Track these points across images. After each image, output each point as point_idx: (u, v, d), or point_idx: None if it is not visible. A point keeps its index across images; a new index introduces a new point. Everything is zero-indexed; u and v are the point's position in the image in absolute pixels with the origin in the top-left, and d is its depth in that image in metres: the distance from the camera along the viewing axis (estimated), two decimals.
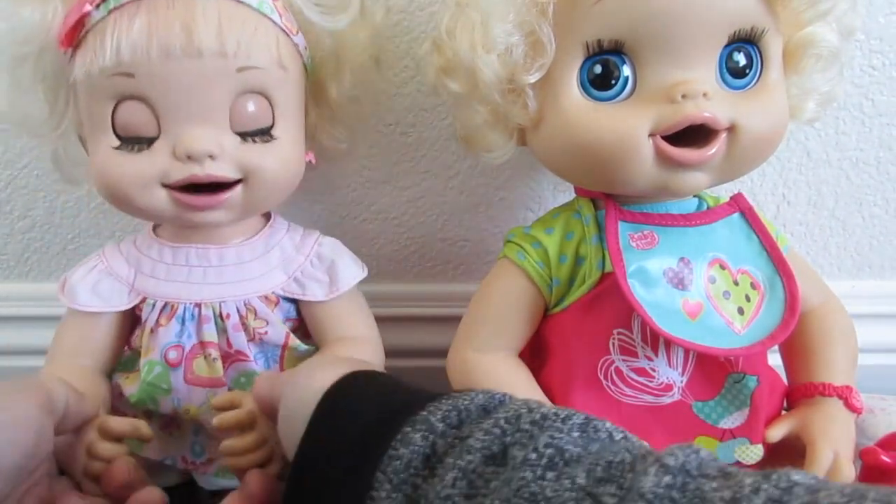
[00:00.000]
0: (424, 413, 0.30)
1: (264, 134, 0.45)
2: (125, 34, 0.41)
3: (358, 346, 0.51)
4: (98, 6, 0.42)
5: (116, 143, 0.44)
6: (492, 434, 0.28)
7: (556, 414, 0.29)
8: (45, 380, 0.38)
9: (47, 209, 0.64)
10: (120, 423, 0.42)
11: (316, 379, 0.35)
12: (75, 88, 0.44)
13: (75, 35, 0.42)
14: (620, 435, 0.29)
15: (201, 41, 0.41)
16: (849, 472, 0.43)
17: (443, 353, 0.50)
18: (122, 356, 0.52)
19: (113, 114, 0.43)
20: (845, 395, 0.47)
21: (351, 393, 0.34)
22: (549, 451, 0.27)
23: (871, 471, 0.46)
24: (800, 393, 0.48)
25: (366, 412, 0.32)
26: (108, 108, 0.43)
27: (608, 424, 0.29)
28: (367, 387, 0.34)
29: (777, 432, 0.46)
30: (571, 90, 0.42)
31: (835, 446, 0.44)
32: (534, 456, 0.26)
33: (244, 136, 0.44)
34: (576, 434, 0.28)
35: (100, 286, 0.49)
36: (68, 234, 0.65)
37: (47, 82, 0.45)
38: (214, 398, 0.45)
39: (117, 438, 0.42)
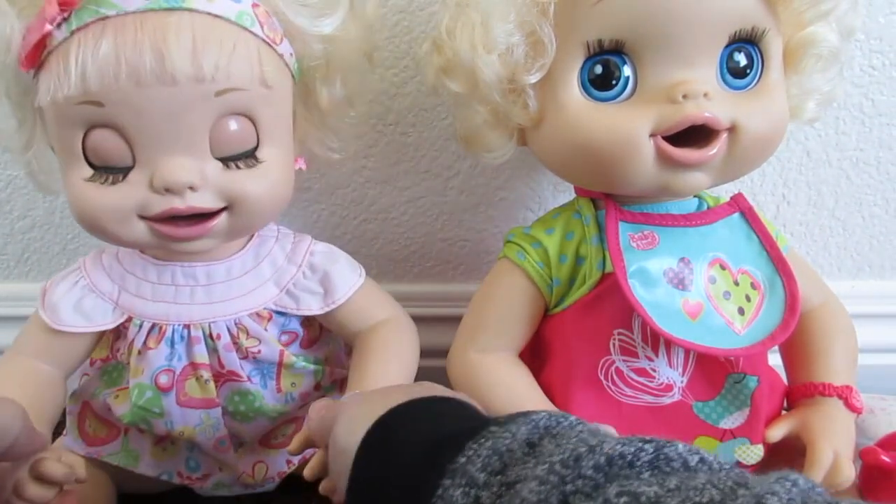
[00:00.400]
0: (463, 460, 0.28)
1: (248, 157, 0.42)
2: (91, 59, 0.37)
3: (390, 329, 0.51)
4: (59, 26, 0.38)
5: (89, 172, 0.41)
6: (548, 483, 0.25)
7: (621, 455, 0.26)
8: (4, 408, 0.36)
9: (47, 209, 0.64)
10: (53, 469, 0.38)
11: (356, 422, 0.33)
12: (41, 111, 0.41)
13: (37, 56, 0.39)
14: (696, 458, 0.26)
15: (174, 67, 0.37)
16: (849, 472, 0.43)
17: (443, 353, 0.50)
18: (107, 365, 0.50)
19: (83, 141, 0.40)
20: (845, 395, 0.47)
21: (385, 442, 0.32)
22: (623, 499, 0.23)
23: (871, 471, 0.46)
24: (800, 393, 0.48)
25: (407, 453, 0.30)
26: (78, 136, 0.40)
27: (679, 447, 0.26)
28: (402, 430, 0.32)
29: (777, 432, 0.46)
30: (572, 90, 0.42)
31: (835, 446, 0.44)
32: None
33: (226, 161, 0.41)
34: (647, 474, 0.25)
35: (83, 303, 0.47)
36: (68, 234, 0.65)
37: (13, 99, 0.42)
38: (290, 447, 0.42)
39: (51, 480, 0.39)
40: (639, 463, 0.25)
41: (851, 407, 0.47)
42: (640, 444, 0.26)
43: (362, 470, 0.31)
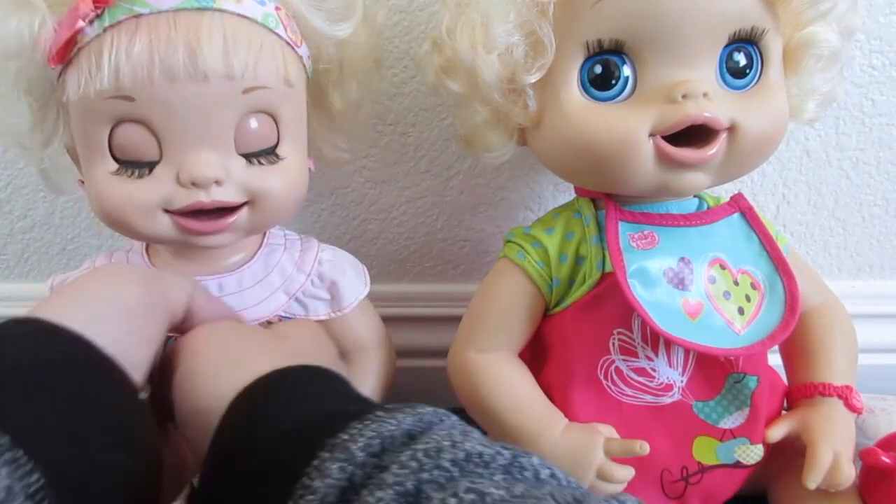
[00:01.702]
0: (346, 437, 0.28)
1: (269, 153, 0.43)
2: (125, 56, 0.38)
3: (369, 356, 0.51)
4: (92, 22, 0.39)
5: (114, 167, 0.41)
6: (407, 468, 0.26)
7: (479, 454, 0.27)
8: (172, 285, 0.39)
9: (47, 209, 0.64)
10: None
11: (221, 381, 0.33)
12: (66, 107, 0.42)
13: (66, 52, 0.39)
14: (547, 472, 0.27)
15: (206, 64, 0.38)
16: (849, 472, 0.43)
17: (443, 353, 0.50)
18: None
19: (110, 136, 0.41)
20: (845, 396, 0.47)
21: (269, 396, 0.31)
22: (471, 496, 0.24)
23: (871, 471, 0.46)
24: (800, 393, 0.48)
25: (282, 423, 0.30)
26: (105, 131, 0.40)
27: (535, 460, 0.27)
28: (289, 391, 0.32)
29: (777, 432, 0.46)
30: (572, 90, 0.42)
31: (835, 446, 0.44)
32: (453, 501, 0.24)
33: (249, 157, 0.43)
34: (499, 477, 0.26)
35: None
36: (68, 234, 0.65)
37: (34, 96, 0.43)
38: None
39: None
40: (494, 465, 0.26)
41: (851, 407, 0.47)
42: (499, 449, 0.27)
43: (228, 437, 0.31)
